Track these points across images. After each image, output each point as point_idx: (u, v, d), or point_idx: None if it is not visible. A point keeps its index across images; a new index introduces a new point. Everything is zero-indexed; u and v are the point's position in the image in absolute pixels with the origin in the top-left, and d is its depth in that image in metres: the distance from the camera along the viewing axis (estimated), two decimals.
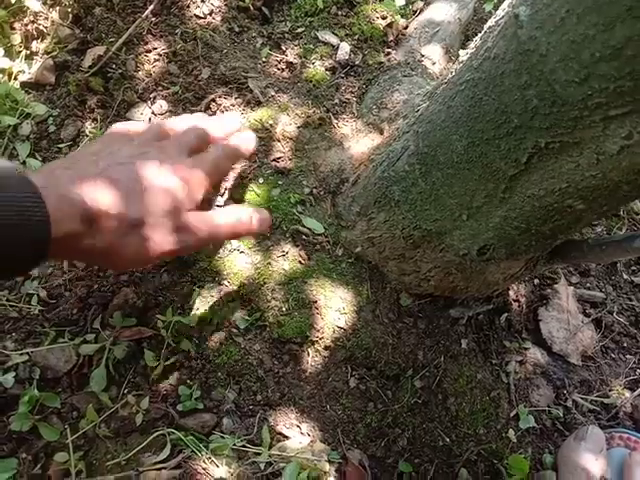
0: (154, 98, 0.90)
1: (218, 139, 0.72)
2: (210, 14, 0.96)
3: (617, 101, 0.39)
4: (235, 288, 0.81)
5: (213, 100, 0.90)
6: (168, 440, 0.75)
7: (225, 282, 0.81)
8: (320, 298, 0.81)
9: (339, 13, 1.01)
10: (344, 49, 0.96)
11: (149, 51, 0.92)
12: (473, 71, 0.52)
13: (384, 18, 0.99)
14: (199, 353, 0.80)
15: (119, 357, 0.78)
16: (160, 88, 0.91)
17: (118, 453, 0.74)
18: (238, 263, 0.82)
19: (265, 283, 0.81)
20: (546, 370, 0.93)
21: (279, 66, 0.95)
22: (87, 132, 0.89)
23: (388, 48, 0.98)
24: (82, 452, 0.75)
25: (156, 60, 0.92)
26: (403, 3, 1.04)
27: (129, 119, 0.88)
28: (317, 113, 0.90)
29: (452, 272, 0.75)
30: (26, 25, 0.94)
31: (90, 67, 0.90)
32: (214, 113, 0.89)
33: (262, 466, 0.75)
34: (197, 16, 0.95)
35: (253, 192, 0.84)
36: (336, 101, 0.93)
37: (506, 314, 0.93)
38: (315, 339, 0.80)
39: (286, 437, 0.78)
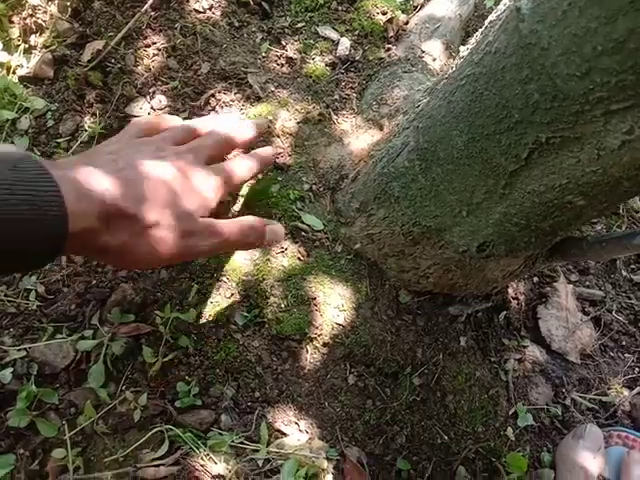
0: (153, 93, 0.89)
1: (238, 145, 0.74)
2: (210, 8, 0.96)
3: (619, 95, 0.39)
4: (234, 284, 0.81)
5: (212, 95, 0.89)
6: (166, 437, 0.74)
7: (224, 278, 0.81)
8: (319, 295, 0.81)
9: (339, 8, 1.00)
10: (344, 44, 0.96)
11: (148, 45, 0.92)
12: (474, 66, 0.52)
13: (384, 14, 0.99)
14: (197, 349, 0.79)
15: (117, 353, 0.78)
16: (159, 83, 0.90)
17: (116, 449, 0.74)
18: (237, 259, 0.81)
19: (264, 279, 0.81)
20: (545, 368, 0.92)
21: (279, 61, 0.95)
22: (86, 127, 0.88)
23: (388, 44, 0.98)
24: (80, 448, 0.74)
25: (155, 55, 0.91)
26: None
27: (128, 114, 0.88)
28: (317, 109, 0.90)
29: (451, 269, 0.75)
30: (25, 19, 0.93)
31: (89, 61, 0.90)
32: (213, 108, 0.89)
33: (260, 463, 0.74)
34: (196, 10, 0.95)
35: (253, 189, 0.84)
36: (336, 97, 0.93)
37: (505, 312, 0.93)
38: (314, 336, 0.80)
39: (284, 434, 0.78)
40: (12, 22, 0.94)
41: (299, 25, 0.98)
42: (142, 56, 0.91)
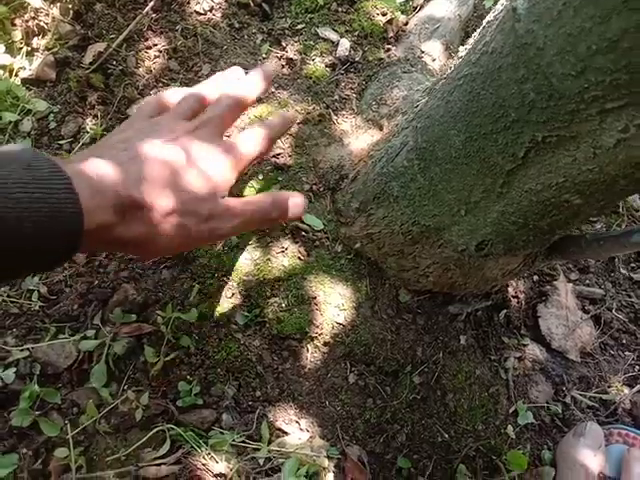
0: (154, 94, 0.90)
1: (250, 102, 0.69)
2: (210, 10, 0.96)
3: (613, 94, 0.39)
4: (235, 284, 0.81)
5: None
6: (168, 436, 0.75)
7: (225, 278, 0.82)
8: (319, 294, 0.81)
9: (339, 9, 1.01)
10: (344, 45, 0.96)
11: (149, 47, 0.92)
12: (471, 66, 0.52)
13: (384, 14, 0.99)
14: (199, 349, 0.80)
15: (119, 353, 0.78)
16: (160, 84, 0.91)
17: (118, 449, 0.74)
18: (238, 259, 0.82)
19: (265, 279, 0.81)
20: (545, 366, 0.93)
21: (279, 62, 0.95)
22: (88, 129, 0.89)
23: (388, 44, 0.98)
24: (82, 447, 0.75)
25: (156, 56, 0.92)
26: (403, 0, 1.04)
27: (130, 116, 0.89)
28: (317, 109, 0.90)
29: (451, 268, 0.75)
30: (27, 21, 0.94)
31: (91, 63, 0.90)
32: None
33: (261, 462, 0.75)
34: (197, 12, 0.95)
35: (253, 188, 0.84)
36: (336, 97, 0.93)
37: (505, 310, 0.93)
38: (314, 335, 0.81)
39: (285, 433, 0.78)
40: (14, 25, 0.95)
41: (299, 26, 0.98)
42: (143, 58, 0.92)
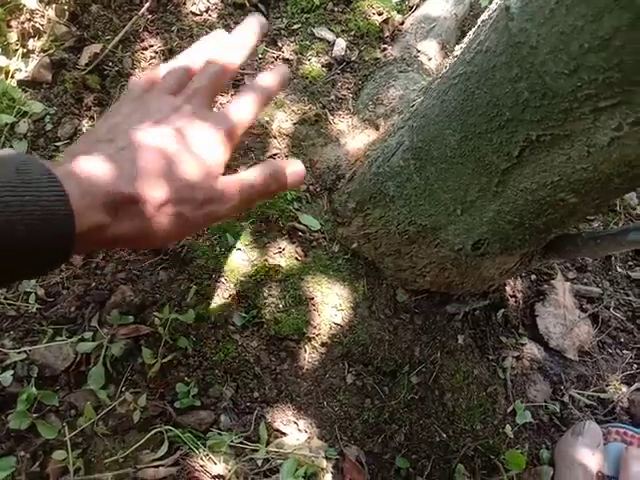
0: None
1: (238, 66, 0.63)
2: (206, 11, 0.96)
3: (606, 92, 0.39)
4: (232, 285, 0.81)
5: None
6: (166, 437, 0.75)
7: (222, 279, 0.81)
8: (317, 295, 0.81)
9: (335, 9, 1.01)
10: (340, 45, 0.96)
11: (145, 48, 0.92)
12: (466, 65, 0.52)
13: (380, 14, 0.99)
14: (196, 350, 0.80)
15: (117, 355, 0.78)
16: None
17: (116, 450, 0.74)
18: (235, 260, 0.82)
19: (262, 280, 0.81)
20: (543, 366, 0.93)
21: (275, 62, 0.95)
22: (84, 130, 0.89)
23: (384, 44, 0.98)
24: (80, 450, 0.75)
25: (152, 57, 0.92)
26: None
27: None
28: (313, 109, 0.90)
29: (447, 267, 0.75)
30: (22, 23, 0.94)
31: (87, 65, 0.90)
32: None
33: (259, 463, 0.75)
34: (193, 13, 0.95)
35: None
36: (332, 97, 0.93)
37: (503, 310, 0.93)
38: (312, 336, 0.81)
39: (283, 434, 0.78)
40: (10, 26, 0.94)
41: (295, 26, 0.98)
42: (139, 59, 0.92)
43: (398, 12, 1.03)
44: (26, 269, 0.47)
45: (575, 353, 0.94)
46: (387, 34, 0.99)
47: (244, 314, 0.81)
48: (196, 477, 0.72)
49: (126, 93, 0.62)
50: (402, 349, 0.83)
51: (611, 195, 0.55)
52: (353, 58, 0.96)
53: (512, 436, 0.86)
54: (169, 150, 0.53)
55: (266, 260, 0.82)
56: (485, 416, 0.86)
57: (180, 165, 0.53)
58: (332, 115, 0.91)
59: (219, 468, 0.73)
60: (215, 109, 0.62)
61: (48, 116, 0.90)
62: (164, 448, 0.74)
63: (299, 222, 0.83)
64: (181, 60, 0.64)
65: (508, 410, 0.88)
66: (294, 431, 0.79)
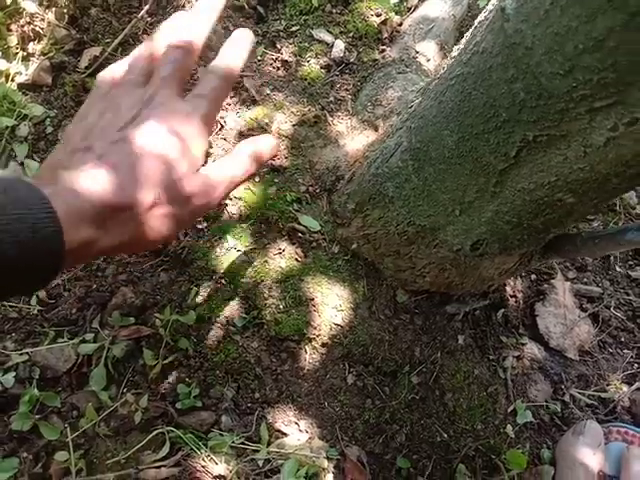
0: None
1: (201, 45, 0.61)
2: None
3: (601, 92, 0.39)
4: (232, 286, 0.82)
5: None
6: (167, 438, 0.75)
7: (222, 281, 0.82)
8: (317, 295, 0.81)
9: (333, 11, 1.01)
10: (339, 47, 0.96)
11: None
12: (463, 66, 0.52)
13: (378, 15, 1.00)
14: (197, 351, 0.80)
15: (118, 356, 0.78)
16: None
17: (118, 451, 0.75)
18: (235, 261, 0.82)
19: (262, 281, 0.81)
20: (543, 365, 0.93)
21: (274, 64, 0.96)
22: None
23: (382, 45, 0.99)
24: (82, 451, 0.75)
25: None
26: (397, 0, 1.04)
27: None
28: (312, 111, 0.90)
29: (447, 268, 0.75)
30: (22, 27, 0.94)
31: (86, 68, 0.91)
32: None
33: (261, 463, 0.75)
34: None
35: (249, 190, 0.85)
36: (331, 99, 0.93)
37: (503, 310, 0.93)
38: (312, 336, 0.81)
39: (284, 434, 0.78)
40: (10, 30, 0.95)
41: (294, 28, 0.99)
42: None
43: (396, 13, 1.03)
44: (14, 287, 0.46)
45: (575, 353, 0.94)
46: (385, 35, 0.99)
47: (245, 315, 0.81)
48: (197, 478, 0.72)
49: (94, 90, 0.60)
50: (402, 349, 0.83)
51: (609, 195, 0.55)
52: (352, 59, 0.97)
53: (513, 436, 0.86)
54: (146, 150, 0.52)
55: (266, 261, 0.82)
56: (486, 416, 0.86)
57: (161, 164, 0.52)
58: (331, 116, 0.92)
59: (220, 468, 0.73)
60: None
61: (48, 119, 0.91)
62: (165, 449, 0.74)
63: (299, 223, 0.84)
64: (144, 48, 0.61)
65: (509, 410, 0.88)
66: (295, 431, 0.79)
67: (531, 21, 0.41)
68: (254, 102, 0.91)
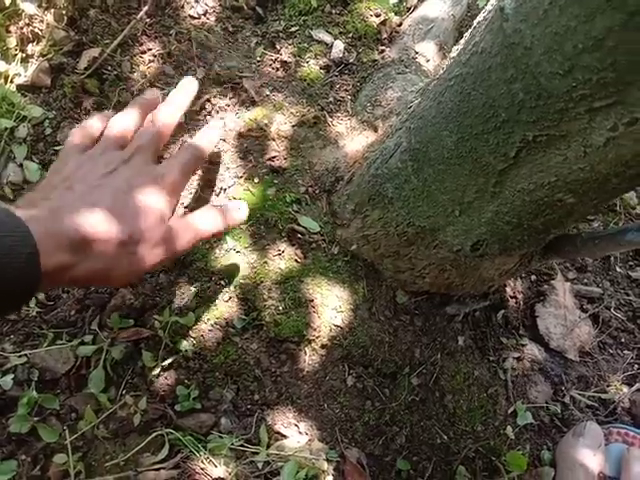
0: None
1: (176, 124, 0.75)
2: (204, 14, 0.96)
3: (601, 92, 0.39)
4: (232, 288, 0.81)
5: (208, 100, 0.90)
6: (166, 440, 0.75)
7: (222, 282, 0.82)
8: (316, 297, 0.81)
9: (333, 11, 1.01)
10: (338, 47, 0.96)
11: (144, 52, 0.92)
12: (462, 66, 0.52)
13: (378, 16, 0.99)
14: (196, 353, 0.80)
15: (117, 358, 0.78)
16: (155, 89, 0.91)
17: (117, 454, 0.75)
18: (235, 262, 0.82)
19: (261, 282, 0.81)
20: (543, 366, 0.92)
21: (273, 65, 0.95)
22: None
23: (382, 46, 0.98)
24: (81, 453, 0.75)
25: (151, 61, 0.92)
26: (397, 0, 1.04)
27: None
28: (312, 112, 0.90)
29: (447, 269, 0.75)
30: (21, 28, 0.94)
31: (85, 69, 0.90)
32: (209, 113, 0.89)
33: (260, 465, 0.75)
34: (191, 16, 0.95)
35: (248, 191, 0.84)
36: (330, 99, 0.93)
37: (503, 311, 0.93)
38: (312, 338, 0.80)
39: (284, 436, 0.78)
40: (9, 32, 0.95)
41: (293, 29, 0.98)
42: (138, 63, 0.92)
43: (396, 14, 1.03)
44: None
45: (576, 354, 0.94)
46: (385, 36, 0.99)
47: (244, 316, 0.81)
48: None
49: (68, 148, 0.67)
50: (402, 351, 0.83)
51: (609, 195, 0.55)
52: (351, 60, 0.96)
53: (513, 437, 0.86)
54: (122, 196, 0.59)
55: (266, 262, 0.82)
56: (486, 417, 0.86)
57: (134, 209, 0.59)
58: (330, 117, 0.91)
59: (220, 471, 0.73)
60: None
61: (47, 120, 0.90)
62: (165, 451, 0.74)
63: (298, 224, 0.83)
64: (121, 116, 0.71)
65: (509, 411, 0.88)
66: (295, 433, 0.79)
67: (530, 21, 0.41)
68: (253, 103, 0.91)
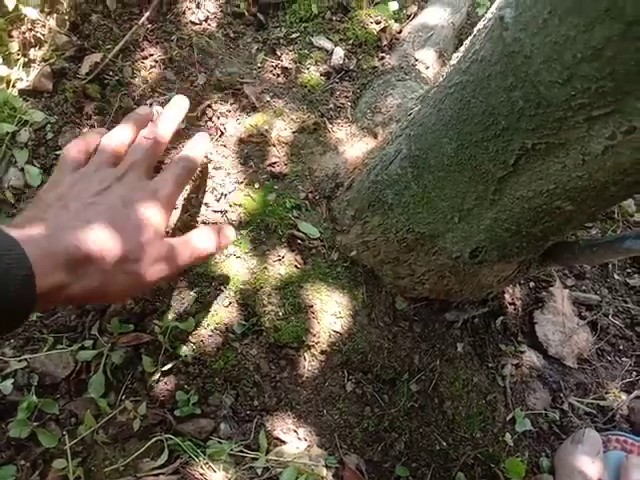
0: (151, 104, 0.90)
1: (169, 139, 0.75)
2: (206, 20, 0.97)
3: (599, 101, 0.39)
4: (232, 293, 0.81)
5: (209, 106, 0.90)
6: (166, 446, 0.75)
7: (222, 287, 0.82)
8: (316, 302, 0.81)
9: (333, 18, 1.01)
10: (338, 54, 0.96)
11: (145, 58, 0.93)
12: (461, 74, 0.53)
13: (378, 23, 1.00)
14: (196, 358, 0.80)
15: (117, 363, 0.78)
16: (156, 94, 0.91)
17: (116, 459, 0.74)
18: (234, 268, 0.82)
19: (261, 288, 0.81)
20: (542, 373, 0.92)
21: (274, 71, 0.96)
22: None
23: (382, 53, 0.99)
24: (80, 458, 0.75)
25: (152, 66, 0.93)
26: (397, 8, 1.04)
27: None
28: (312, 118, 0.91)
29: (446, 275, 0.75)
30: (24, 33, 0.94)
31: (87, 74, 0.91)
32: (210, 119, 0.90)
33: (259, 471, 0.74)
34: (193, 22, 0.96)
35: (249, 197, 0.85)
36: (331, 106, 0.93)
37: (502, 317, 0.93)
38: (311, 344, 0.81)
39: (283, 442, 0.78)
40: (11, 36, 0.95)
41: (294, 35, 0.99)
42: (139, 68, 0.92)
43: (396, 21, 1.03)
44: None
45: (574, 360, 0.94)
46: (385, 43, 0.99)
47: (244, 322, 0.81)
48: None
49: (62, 165, 0.67)
50: (401, 357, 0.83)
51: (607, 203, 0.55)
52: (351, 67, 0.97)
53: (512, 444, 0.86)
54: (117, 213, 0.59)
55: (265, 268, 0.82)
56: (485, 424, 0.86)
57: (130, 226, 0.59)
58: (331, 123, 0.92)
59: (219, 476, 0.73)
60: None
61: (49, 125, 0.91)
62: (164, 456, 0.74)
63: (298, 230, 0.84)
64: (114, 133, 0.71)
65: (508, 418, 0.88)
66: (294, 439, 0.78)
67: (530, 30, 0.41)
68: (254, 109, 0.91)
